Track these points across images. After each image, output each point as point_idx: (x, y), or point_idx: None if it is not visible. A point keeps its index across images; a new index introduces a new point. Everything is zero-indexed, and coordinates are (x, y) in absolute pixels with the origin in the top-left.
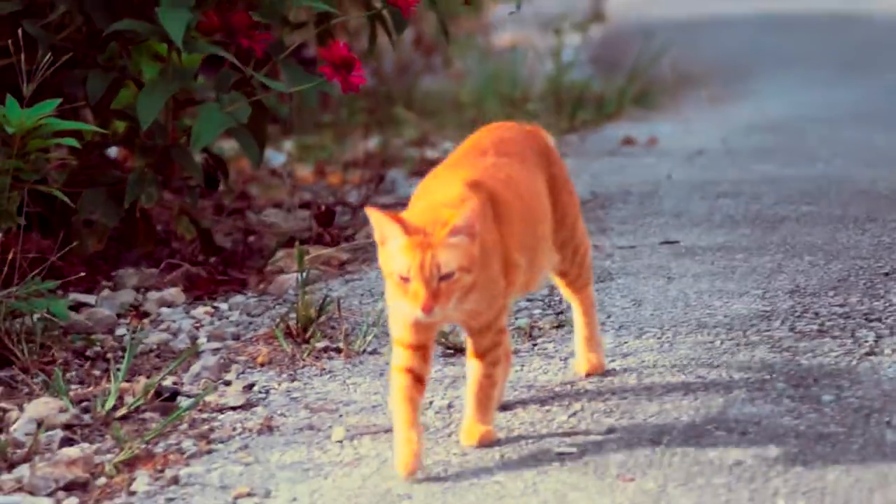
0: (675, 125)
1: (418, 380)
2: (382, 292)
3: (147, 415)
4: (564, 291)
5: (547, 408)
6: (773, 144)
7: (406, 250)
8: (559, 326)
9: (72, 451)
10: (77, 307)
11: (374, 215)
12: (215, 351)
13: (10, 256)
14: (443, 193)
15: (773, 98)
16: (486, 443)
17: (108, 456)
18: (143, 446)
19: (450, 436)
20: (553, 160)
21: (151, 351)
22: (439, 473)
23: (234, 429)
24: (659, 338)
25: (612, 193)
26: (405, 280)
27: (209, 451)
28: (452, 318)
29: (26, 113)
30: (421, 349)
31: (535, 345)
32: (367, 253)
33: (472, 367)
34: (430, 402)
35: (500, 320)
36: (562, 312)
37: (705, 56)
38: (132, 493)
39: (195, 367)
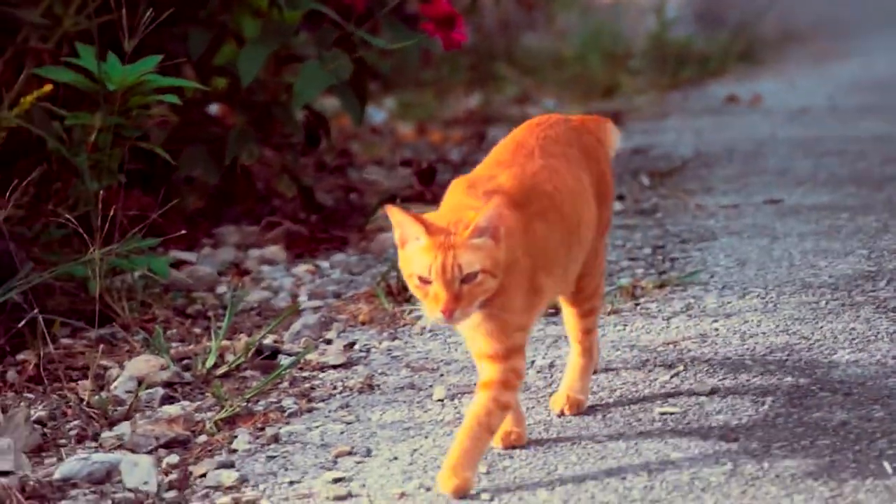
0: (780, 83)
1: None
2: None
3: (248, 373)
4: (567, 312)
5: (649, 368)
6: (880, 102)
7: (427, 251)
8: (661, 286)
9: (172, 409)
10: (178, 265)
11: (394, 215)
12: (316, 309)
13: (112, 213)
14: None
15: (880, 55)
16: (461, 494)
17: (209, 414)
18: (244, 404)
19: (551, 395)
20: (603, 157)
21: (252, 309)
22: (541, 433)
23: (335, 387)
24: (763, 298)
25: (715, 152)
26: (425, 282)
27: (310, 410)
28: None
29: (127, 69)
30: None
31: (637, 304)
32: None
33: (474, 400)
34: (532, 362)
35: (514, 359)
36: (664, 272)
37: (811, 12)
38: (233, 451)
39: (296, 326)
